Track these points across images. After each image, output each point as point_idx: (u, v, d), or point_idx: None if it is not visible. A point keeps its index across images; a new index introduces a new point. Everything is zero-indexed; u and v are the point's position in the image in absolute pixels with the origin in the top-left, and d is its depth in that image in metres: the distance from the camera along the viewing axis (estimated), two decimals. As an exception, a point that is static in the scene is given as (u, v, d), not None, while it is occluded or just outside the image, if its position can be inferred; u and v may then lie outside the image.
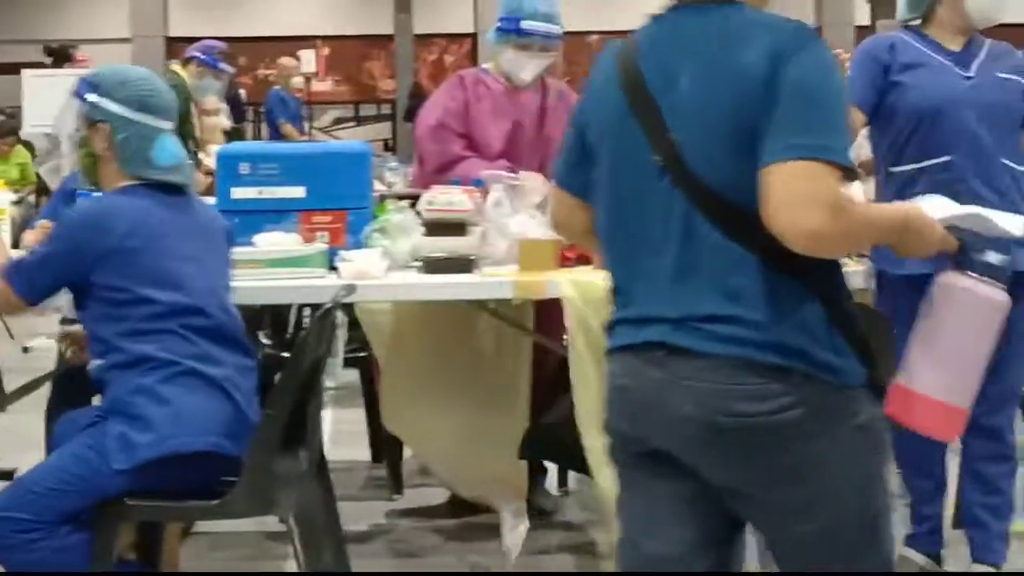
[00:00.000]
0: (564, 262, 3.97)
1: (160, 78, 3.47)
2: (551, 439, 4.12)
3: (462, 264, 3.90)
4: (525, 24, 4.58)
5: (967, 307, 2.35)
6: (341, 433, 5.70)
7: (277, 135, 12.02)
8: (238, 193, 4.03)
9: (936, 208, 2.38)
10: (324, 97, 20.73)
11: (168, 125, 3.32)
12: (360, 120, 20.93)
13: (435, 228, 3.99)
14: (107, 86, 3.27)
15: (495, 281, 3.83)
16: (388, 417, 4.46)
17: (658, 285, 2.20)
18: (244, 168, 4.06)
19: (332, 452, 5.36)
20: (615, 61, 2.31)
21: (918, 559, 3.87)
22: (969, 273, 2.35)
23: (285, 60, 13.03)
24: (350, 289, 3.48)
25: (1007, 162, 3.70)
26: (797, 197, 2.05)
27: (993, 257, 2.35)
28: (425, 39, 20.79)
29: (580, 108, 2.42)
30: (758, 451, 2.14)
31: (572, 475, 4.84)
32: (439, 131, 4.66)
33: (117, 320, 3.14)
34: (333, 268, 3.84)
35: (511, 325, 4.27)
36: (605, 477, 3.70)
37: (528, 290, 3.82)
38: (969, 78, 3.74)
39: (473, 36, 19.63)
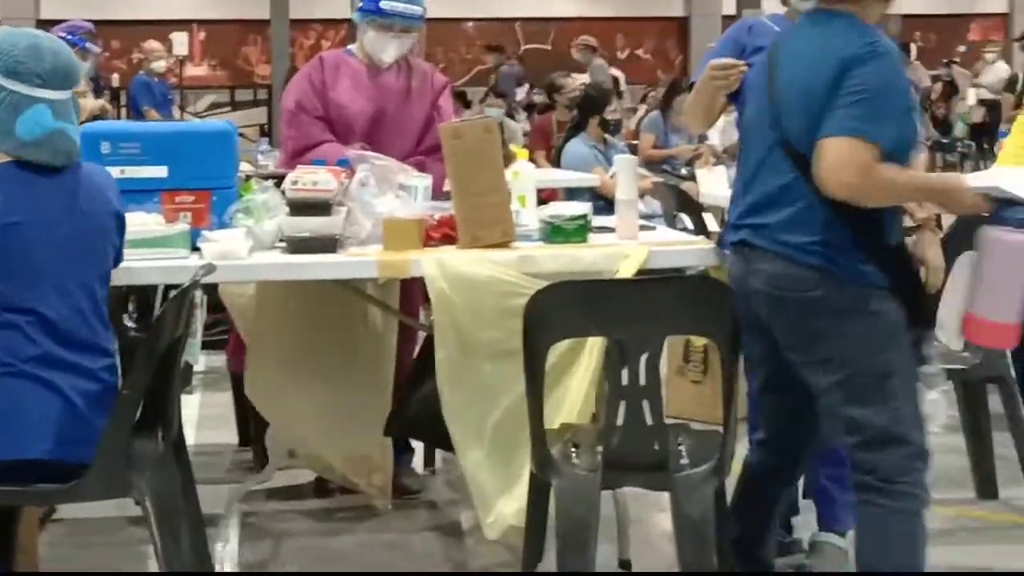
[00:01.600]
0: (428, 242, 3.98)
1: (55, 42, 3.24)
2: (417, 417, 4.11)
3: (326, 244, 3.89)
4: (385, 5, 4.56)
5: (1006, 251, 3.22)
6: (208, 417, 5.65)
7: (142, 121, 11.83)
8: (99, 172, 3.96)
9: (977, 178, 3.27)
10: (200, 82, 20.46)
11: (51, 95, 3.14)
12: (236, 105, 20.69)
13: (299, 208, 3.97)
14: None
15: (358, 261, 3.82)
16: (252, 391, 4.39)
17: (749, 203, 3.25)
18: (105, 147, 3.99)
19: (199, 436, 5.37)
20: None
21: None
22: (1002, 227, 3.24)
23: (148, 43, 12.68)
24: (209, 268, 3.44)
25: None
26: (836, 161, 3.01)
27: (1021, 212, 3.23)
28: (301, 24, 20.63)
29: None
30: (801, 319, 3.14)
31: (439, 454, 4.85)
32: (297, 115, 4.61)
33: None
34: (196, 249, 3.80)
35: (374, 304, 4.27)
36: (469, 457, 3.72)
37: (391, 269, 3.82)
38: None
39: (349, 22, 19.46)
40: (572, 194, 6.94)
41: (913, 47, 16.49)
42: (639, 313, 3.00)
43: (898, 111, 3.08)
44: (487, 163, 3.96)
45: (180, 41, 13.82)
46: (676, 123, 9.79)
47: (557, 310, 3.06)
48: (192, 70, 20.33)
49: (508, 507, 3.61)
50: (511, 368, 3.53)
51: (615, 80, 15.02)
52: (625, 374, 3.03)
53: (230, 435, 5.24)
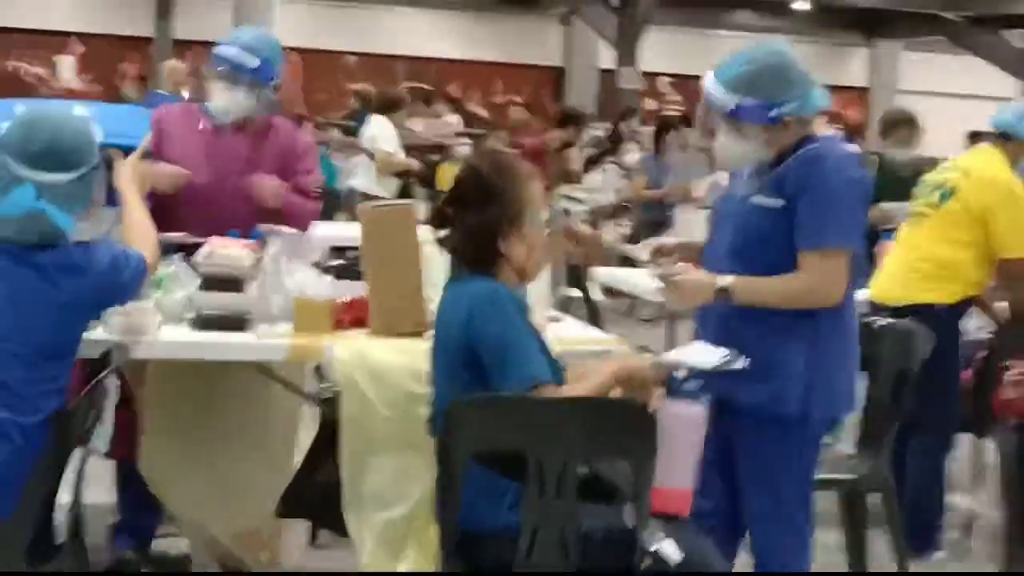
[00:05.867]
0: (338, 325, 3.96)
1: (63, 123, 3.30)
2: (313, 501, 4.05)
3: (237, 322, 3.85)
4: (219, 49, 4.44)
5: (676, 423, 3.26)
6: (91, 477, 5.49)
7: None
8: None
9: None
10: (75, 96, 20.03)
11: (41, 176, 3.19)
12: (111, 123, 20.32)
13: (212, 283, 3.92)
14: None
15: (270, 344, 3.78)
16: (145, 465, 4.30)
17: None
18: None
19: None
20: None
21: None
22: (675, 399, 3.29)
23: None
24: (123, 355, 3.38)
25: None
26: None
27: (691, 385, 3.30)
28: (184, 45, 20.34)
29: None
30: None
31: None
32: None
33: None
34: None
35: (277, 380, 4.22)
36: (366, 551, 3.69)
37: (303, 353, 3.80)
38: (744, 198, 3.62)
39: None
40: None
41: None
42: (558, 434, 3.00)
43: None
44: (402, 250, 3.95)
45: (67, 66, 13.29)
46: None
47: (474, 422, 3.05)
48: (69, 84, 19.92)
49: None
50: (416, 462, 3.55)
51: None
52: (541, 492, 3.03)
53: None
